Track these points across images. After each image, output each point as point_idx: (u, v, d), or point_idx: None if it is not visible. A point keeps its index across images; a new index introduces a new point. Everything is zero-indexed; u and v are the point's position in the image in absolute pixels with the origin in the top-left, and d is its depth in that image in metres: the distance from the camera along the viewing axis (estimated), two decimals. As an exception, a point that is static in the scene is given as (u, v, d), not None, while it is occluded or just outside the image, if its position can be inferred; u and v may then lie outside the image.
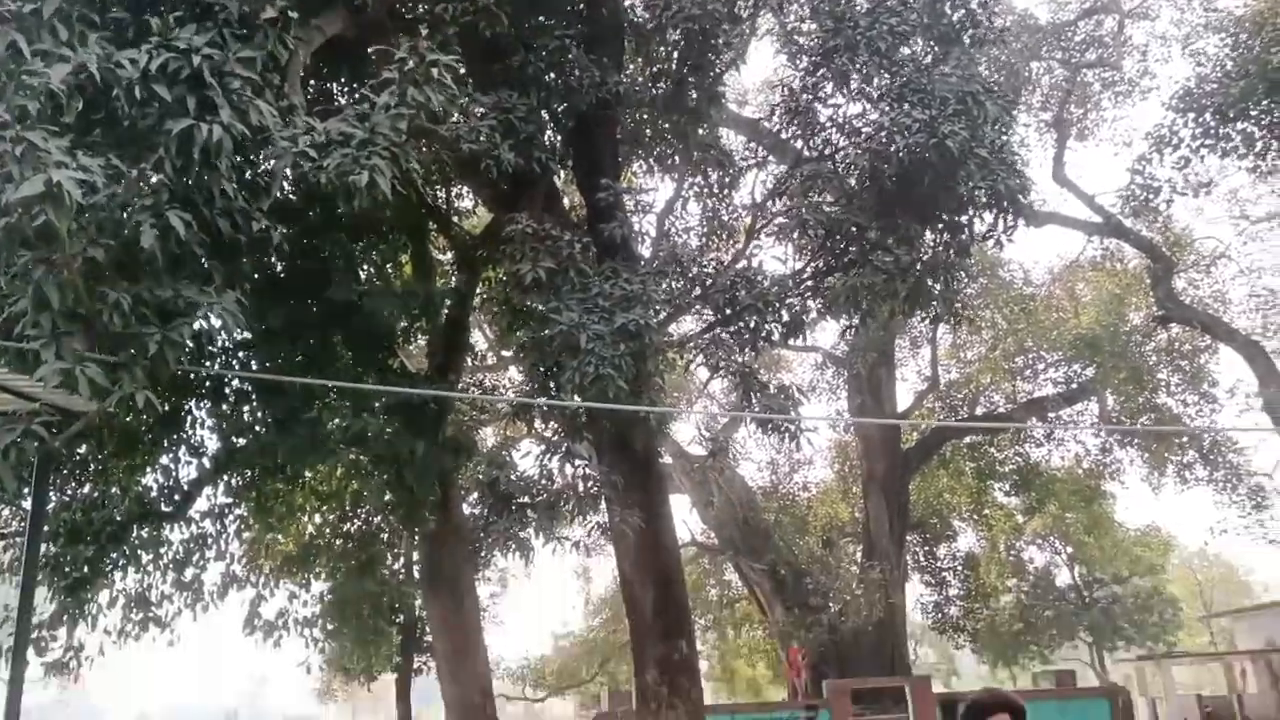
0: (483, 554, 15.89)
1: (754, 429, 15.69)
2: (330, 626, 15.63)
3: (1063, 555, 36.32)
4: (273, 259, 9.54)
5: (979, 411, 28.25)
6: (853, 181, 12.05)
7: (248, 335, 11.23)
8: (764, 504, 29.88)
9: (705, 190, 14.27)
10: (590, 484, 11.74)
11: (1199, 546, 52.04)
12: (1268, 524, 24.40)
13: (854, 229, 11.46)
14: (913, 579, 31.19)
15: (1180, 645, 39.10)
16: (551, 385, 10.69)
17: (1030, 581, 35.07)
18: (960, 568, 32.35)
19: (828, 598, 25.04)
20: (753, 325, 11.36)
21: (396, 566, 17.33)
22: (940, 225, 11.78)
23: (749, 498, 28.73)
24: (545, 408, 11.07)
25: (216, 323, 7.45)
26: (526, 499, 11.63)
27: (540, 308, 10.19)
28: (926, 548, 32.20)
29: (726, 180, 14.09)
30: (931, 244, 12.07)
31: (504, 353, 21.47)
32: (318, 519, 14.49)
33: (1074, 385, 26.66)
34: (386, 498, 12.77)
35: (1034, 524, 33.93)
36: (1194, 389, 24.96)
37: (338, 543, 14.54)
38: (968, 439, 28.95)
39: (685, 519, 31.07)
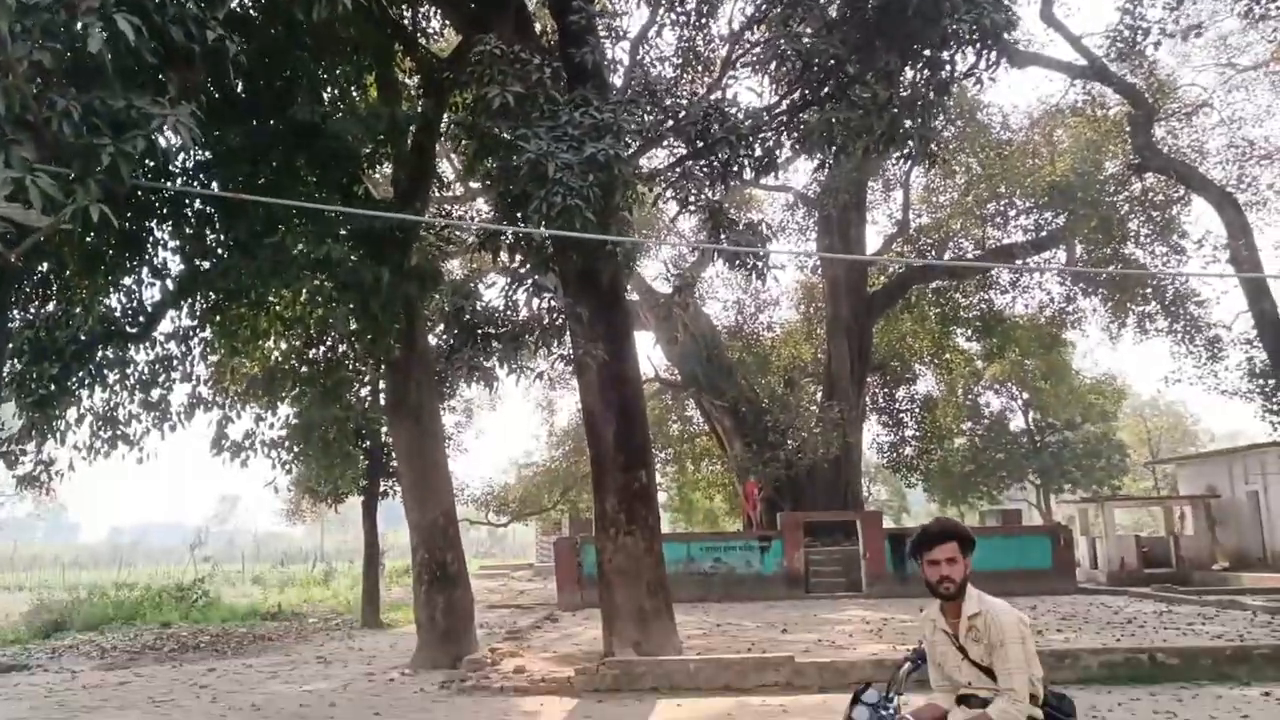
0: (448, 383, 16.06)
1: (722, 267, 15.71)
2: (297, 449, 15.87)
3: (1018, 401, 37.28)
4: (231, 75, 9.14)
5: (947, 257, 28.32)
6: (833, 11, 11.68)
7: (208, 155, 10.92)
8: (728, 343, 30.24)
9: (682, 18, 13.79)
10: (555, 316, 11.77)
11: (1151, 396, 53.84)
12: (1221, 374, 24.97)
13: (832, 62, 11.16)
14: (870, 419, 32.06)
15: (1125, 490, 40.70)
16: (518, 215, 10.56)
17: (985, 425, 36.09)
18: (917, 410, 33.18)
19: (786, 435, 25.65)
20: (724, 159, 11.18)
21: (363, 393, 17.50)
22: (921, 61, 11.48)
23: (713, 336, 29.03)
24: (511, 238, 10.95)
25: (175, 139, 7.20)
26: (491, 329, 11.67)
27: (508, 135, 9.94)
28: (886, 390, 32.92)
29: (704, 8, 13.62)
30: (911, 81, 11.80)
31: (471, 184, 21.12)
32: (283, 345, 14.47)
33: (1044, 233, 26.75)
34: (352, 325, 12.72)
35: (993, 369, 34.65)
36: (1163, 240, 25.12)
37: (303, 368, 14.58)
38: (933, 284, 29.18)
39: (650, 355, 31.50)
